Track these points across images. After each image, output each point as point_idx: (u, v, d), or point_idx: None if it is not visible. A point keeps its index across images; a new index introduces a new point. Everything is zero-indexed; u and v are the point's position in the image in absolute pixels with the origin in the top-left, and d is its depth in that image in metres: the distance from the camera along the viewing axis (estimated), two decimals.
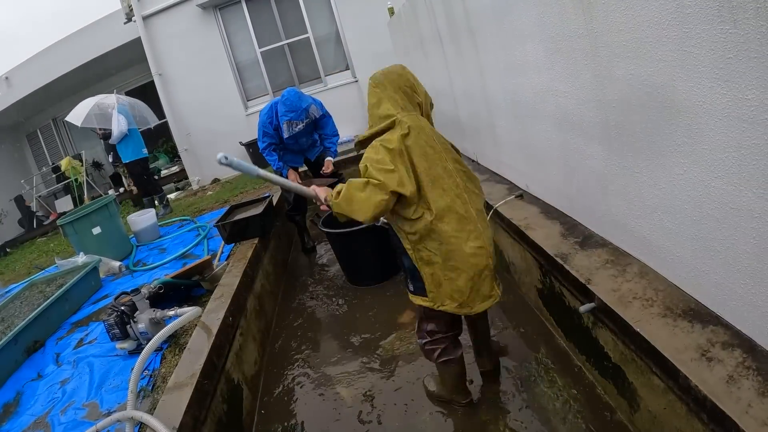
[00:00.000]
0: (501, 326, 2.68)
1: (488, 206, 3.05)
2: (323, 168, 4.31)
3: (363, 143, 1.87)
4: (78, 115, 6.11)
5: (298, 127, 3.98)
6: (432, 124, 1.94)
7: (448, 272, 1.79)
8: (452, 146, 1.94)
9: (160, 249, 4.74)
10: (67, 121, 6.41)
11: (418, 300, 1.91)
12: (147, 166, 6.76)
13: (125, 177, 9.19)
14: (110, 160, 8.04)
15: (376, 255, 3.57)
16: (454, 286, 1.79)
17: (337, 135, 4.45)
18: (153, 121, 6.92)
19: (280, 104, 3.96)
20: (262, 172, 1.84)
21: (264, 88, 8.31)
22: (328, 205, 1.88)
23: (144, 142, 6.52)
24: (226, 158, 1.70)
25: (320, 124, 4.30)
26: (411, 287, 1.93)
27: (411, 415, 2.22)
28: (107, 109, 6.15)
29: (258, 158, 8.04)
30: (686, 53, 1.29)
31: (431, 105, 1.99)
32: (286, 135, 4.00)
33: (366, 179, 1.70)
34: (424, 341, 2.05)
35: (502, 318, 2.75)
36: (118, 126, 6.02)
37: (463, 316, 2.07)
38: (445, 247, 1.76)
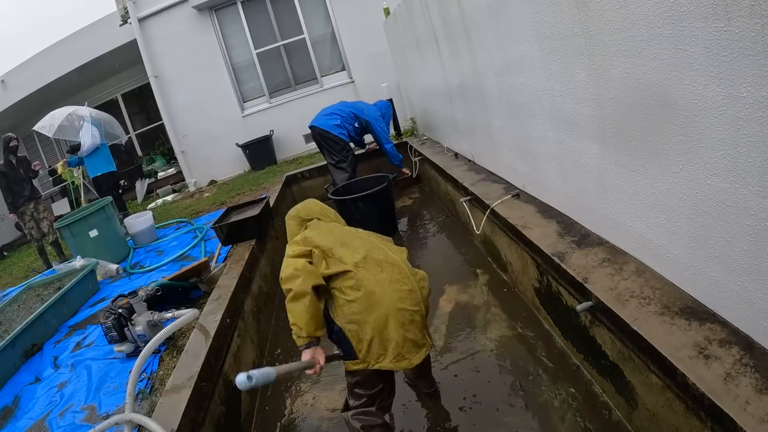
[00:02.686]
0: (499, 326, 2.68)
1: (485, 206, 3.06)
2: None
3: None
4: (49, 126, 5.90)
5: None
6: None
7: (375, 322, 1.62)
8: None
9: (158, 251, 4.73)
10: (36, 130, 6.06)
11: (349, 366, 1.71)
12: (117, 181, 6.38)
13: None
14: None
15: (379, 215, 4.43)
16: (385, 337, 1.63)
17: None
18: (122, 137, 6.74)
19: (386, 108, 5.35)
20: (281, 370, 1.61)
21: (260, 90, 8.29)
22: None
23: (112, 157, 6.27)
24: (249, 379, 1.43)
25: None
26: (340, 353, 1.76)
27: (410, 416, 2.22)
28: (75, 122, 5.91)
29: (256, 159, 8.04)
30: (681, 51, 1.30)
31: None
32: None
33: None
34: (352, 412, 1.82)
35: (501, 317, 2.75)
36: (92, 137, 5.81)
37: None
38: (364, 291, 1.64)
